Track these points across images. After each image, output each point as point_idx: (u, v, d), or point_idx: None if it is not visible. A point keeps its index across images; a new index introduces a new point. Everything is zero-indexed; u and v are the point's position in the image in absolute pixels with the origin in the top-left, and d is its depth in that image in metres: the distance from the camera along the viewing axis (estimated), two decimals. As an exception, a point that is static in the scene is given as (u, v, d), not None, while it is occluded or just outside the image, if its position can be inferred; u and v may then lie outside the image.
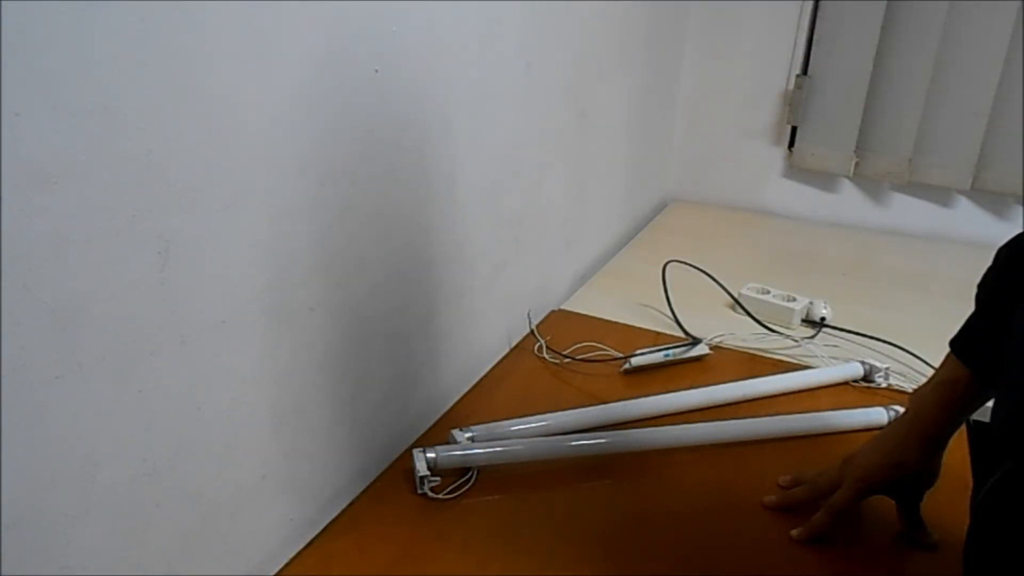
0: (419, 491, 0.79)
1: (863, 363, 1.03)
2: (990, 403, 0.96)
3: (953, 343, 0.72)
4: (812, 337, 1.14)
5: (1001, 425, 0.57)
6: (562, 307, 1.23)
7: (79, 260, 0.49)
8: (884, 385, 1.01)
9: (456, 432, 0.85)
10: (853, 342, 1.13)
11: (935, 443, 0.73)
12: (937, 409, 0.72)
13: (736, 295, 1.21)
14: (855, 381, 1.03)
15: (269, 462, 0.70)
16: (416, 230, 0.84)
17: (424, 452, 0.80)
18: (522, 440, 0.85)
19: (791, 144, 1.65)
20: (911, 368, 1.06)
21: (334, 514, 0.77)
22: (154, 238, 0.53)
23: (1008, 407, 0.55)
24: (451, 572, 0.71)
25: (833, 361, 1.06)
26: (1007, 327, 0.61)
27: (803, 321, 1.18)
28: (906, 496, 0.76)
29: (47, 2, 0.44)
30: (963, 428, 0.93)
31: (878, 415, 0.93)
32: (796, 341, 1.13)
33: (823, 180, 1.66)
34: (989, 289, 0.69)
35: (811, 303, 1.19)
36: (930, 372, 1.02)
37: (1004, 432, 0.56)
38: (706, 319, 1.17)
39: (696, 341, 1.08)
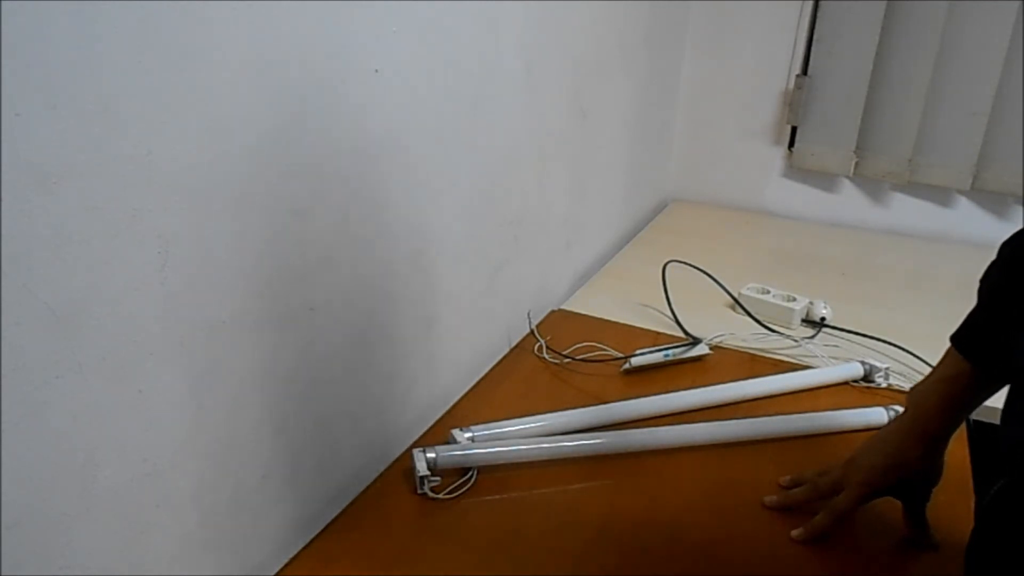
0: (419, 491, 0.79)
1: (863, 363, 1.03)
2: (989, 403, 0.96)
3: (954, 338, 0.71)
4: (812, 337, 1.14)
5: (1013, 427, 0.56)
6: (562, 307, 1.23)
7: (79, 260, 0.49)
8: (884, 385, 1.01)
9: (456, 432, 0.85)
10: (853, 342, 1.13)
11: (936, 441, 0.72)
12: (938, 406, 0.71)
13: (736, 295, 1.21)
14: (855, 381, 1.03)
15: (269, 462, 0.70)
16: (416, 230, 0.84)
17: (424, 452, 0.80)
18: (522, 440, 0.85)
19: (791, 144, 1.65)
20: (911, 368, 1.06)
21: (334, 514, 0.77)
22: (154, 238, 0.53)
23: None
24: (451, 572, 0.71)
25: (833, 361, 1.06)
26: (1014, 324, 0.61)
27: (803, 321, 1.18)
28: (911, 496, 0.76)
29: (47, 2, 0.44)
30: (963, 428, 0.93)
31: (878, 415, 0.93)
32: (796, 341, 1.13)
33: (823, 180, 1.66)
34: (992, 284, 0.68)
35: (811, 303, 1.19)
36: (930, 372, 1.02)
37: (1016, 434, 0.56)
38: (706, 319, 1.17)
39: (696, 341, 1.08)
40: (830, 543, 0.76)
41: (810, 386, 1.01)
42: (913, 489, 0.75)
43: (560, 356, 1.06)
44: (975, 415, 0.96)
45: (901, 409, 0.92)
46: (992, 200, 1.52)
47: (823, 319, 1.17)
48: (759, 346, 1.12)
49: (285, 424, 0.71)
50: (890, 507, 0.77)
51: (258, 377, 0.66)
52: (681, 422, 0.91)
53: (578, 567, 0.73)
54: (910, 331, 1.13)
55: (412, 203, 0.82)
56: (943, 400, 0.71)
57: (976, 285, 0.69)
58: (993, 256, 0.68)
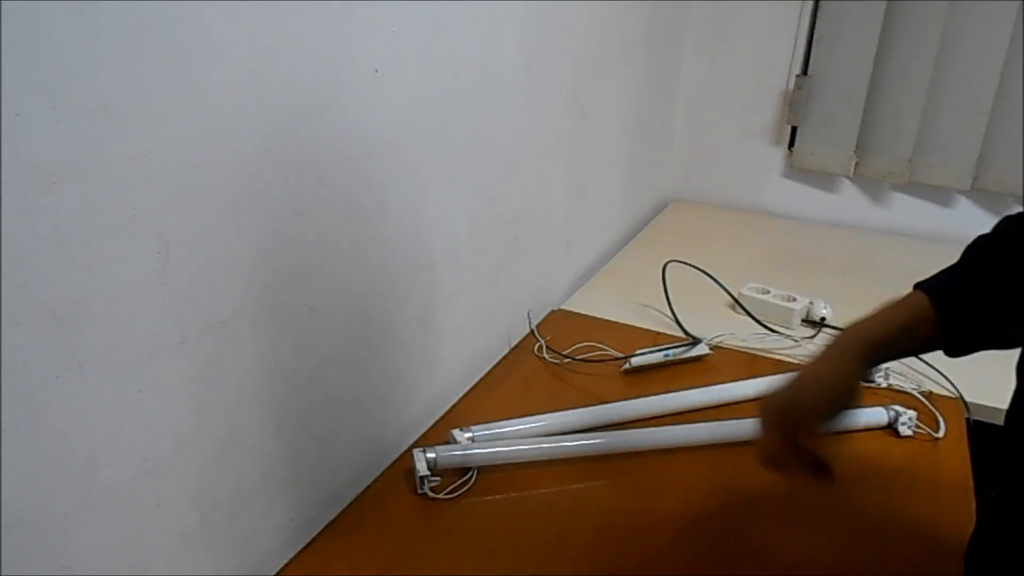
0: (419, 491, 0.79)
1: (863, 363, 1.03)
2: (991, 404, 0.96)
3: (920, 284, 0.66)
4: (812, 337, 1.14)
5: (1015, 429, 0.56)
6: (562, 307, 1.23)
7: (79, 260, 0.49)
8: (884, 385, 1.01)
9: (456, 432, 0.85)
10: (853, 342, 1.13)
11: (862, 352, 0.62)
12: (878, 320, 0.64)
13: (736, 295, 1.21)
14: (855, 381, 1.03)
15: (269, 462, 0.70)
16: (416, 230, 0.84)
17: (424, 452, 0.80)
18: (522, 440, 0.85)
19: (791, 144, 1.65)
20: (911, 368, 1.05)
21: (334, 514, 0.77)
22: (154, 238, 0.53)
23: None
24: (451, 572, 0.71)
25: (833, 361, 1.06)
26: (992, 283, 0.59)
27: (803, 321, 1.18)
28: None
29: (47, 2, 0.44)
30: (964, 430, 0.93)
31: (878, 415, 0.93)
32: (796, 341, 1.13)
33: (823, 180, 1.66)
34: (979, 246, 0.65)
35: (811, 303, 1.19)
36: (930, 372, 1.03)
37: (1018, 436, 0.56)
38: (706, 319, 1.17)
39: (696, 341, 1.08)
40: (828, 543, 0.76)
41: (810, 386, 1.01)
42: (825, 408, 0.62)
43: (560, 356, 1.06)
44: (975, 415, 0.97)
45: (902, 409, 0.93)
46: (992, 200, 1.52)
47: (823, 319, 1.17)
48: (759, 346, 1.12)
49: (285, 424, 0.71)
50: (892, 507, 0.77)
51: (258, 377, 0.66)
52: (681, 422, 0.91)
53: (578, 567, 0.73)
54: (910, 331, 1.13)
55: (412, 203, 0.82)
56: (888, 317, 0.64)
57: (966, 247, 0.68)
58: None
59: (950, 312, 0.63)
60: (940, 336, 0.63)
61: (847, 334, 0.64)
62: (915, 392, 0.99)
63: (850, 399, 0.63)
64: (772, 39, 1.59)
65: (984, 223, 0.67)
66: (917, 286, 0.65)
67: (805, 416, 0.62)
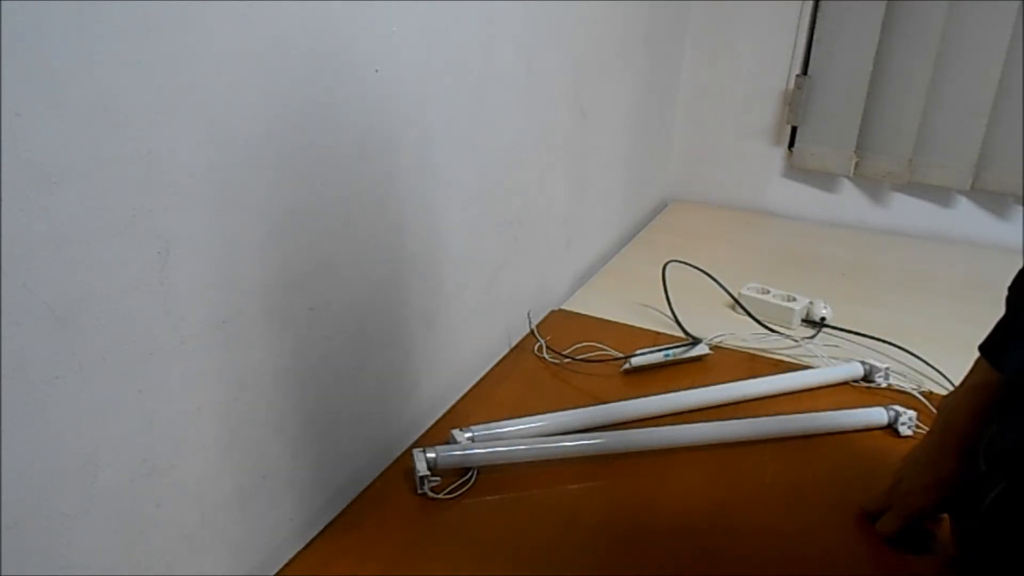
0: (419, 491, 0.79)
1: (863, 363, 1.03)
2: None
3: (982, 347, 0.69)
4: (812, 337, 1.14)
5: (1011, 431, 0.56)
6: (562, 307, 1.23)
7: (79, 260, 0.49)
8: (884, 385, 1.01)
9: (456, 432, 0.85)
10: (853, 342, 1.13)
11: (970, 452, 0.69)
12: (968, 417, 0.69)
13: (736, 295, 1.21)
14: (855, 381, 1.03)
15: (269, 462, 0.70)
16: (416, 230, 0.84)
17: (424, 452, 0.80)
18: (522, 440, 0.85)
19: (791, 144, 1.65)
20: (911, 368, 1.06)
21: (334, 514, 0.77)
22: (154, 238, 0.53)
23: None
24: (451, 572, 0.71)
25: (833, 361, 1.06)
26: None
27: (803, 321, 1.18)
28: (958, 510, 0.71)
29: (47, 2, 0.44)
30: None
31: (878, 415, 0.93)
32: (796, 341, 1.13)
33: (823, 180, 1.66)
34: (1020, 292, 0.66)
35: (811, 303, 1.19)
36: (930, 372, 1.03)
37: (1014, 438, 0.56)
38: (706, 319, 1.17)
39: (696, 341, 1.08)
40: (827, 542, 0.76)
41: (810, 386, 1.01)
42: (958, 502, 0.71)
43: (560, 356, 1.06)
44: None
45: (901, 409, 0.93)
46: (992, 200, 1.52)
47: (823, 319, 1.17)
48: (759, 346, 1.12)
49: (285, 424, 0.71)
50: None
51: (258, 377, 0.66)
52: (681, 422, 0.91)
53: (578, 567, 0.73)
54: (910, 331, 1.13)
55: (412, 203, 0.82)
56: (972, 410, 0.68)
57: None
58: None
59: (1008, 367, 0.65)
60: None
61: (944, 429, 0.71)
62: (915, 392, 0.99)
63: (953, 490, 0.71)
64: (772, 39, 1.59)
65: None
66: (979, 348, 0.69)
67: (920, 510, 0.74)
